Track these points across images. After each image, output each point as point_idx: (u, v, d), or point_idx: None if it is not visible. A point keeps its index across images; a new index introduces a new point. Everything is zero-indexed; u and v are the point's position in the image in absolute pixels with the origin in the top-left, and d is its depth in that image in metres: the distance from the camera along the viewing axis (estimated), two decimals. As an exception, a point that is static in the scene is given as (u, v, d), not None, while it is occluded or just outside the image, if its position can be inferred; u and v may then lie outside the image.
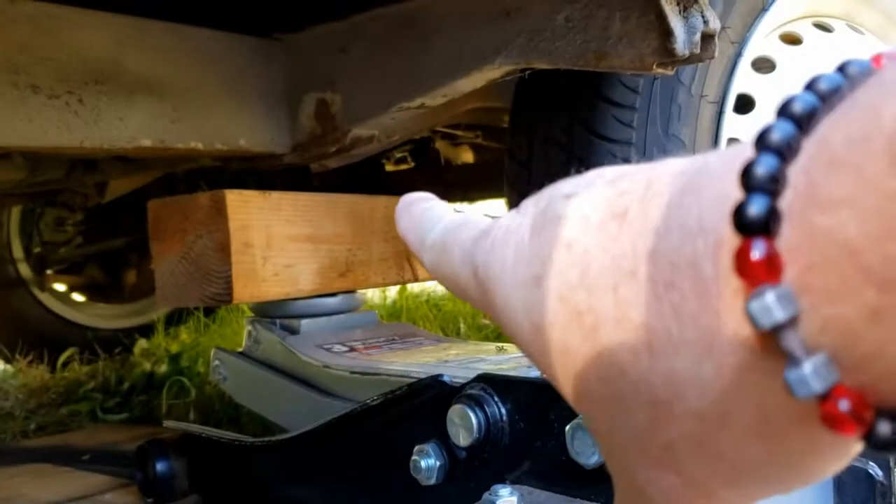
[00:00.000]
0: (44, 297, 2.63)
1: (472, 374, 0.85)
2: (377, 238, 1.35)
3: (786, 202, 0.20)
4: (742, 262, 0.20)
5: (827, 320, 0.19)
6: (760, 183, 0.20)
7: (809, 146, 0.20)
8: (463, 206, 2.38)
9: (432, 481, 0.84)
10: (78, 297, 2.76)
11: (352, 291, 1.34)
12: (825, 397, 0.20)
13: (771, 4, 1.24)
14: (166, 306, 2.35)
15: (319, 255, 1.25)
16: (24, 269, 2.62)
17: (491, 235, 0.29)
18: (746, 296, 0.20)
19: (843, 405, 0.19)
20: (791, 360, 0.20)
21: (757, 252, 0.20)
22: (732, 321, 0.21)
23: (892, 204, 0.18)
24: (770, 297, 0.20)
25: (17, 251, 2.62)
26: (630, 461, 0.25)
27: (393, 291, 3.12)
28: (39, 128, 1.04)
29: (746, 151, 0.21)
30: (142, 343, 2.59)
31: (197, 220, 1.14)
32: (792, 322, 0.20)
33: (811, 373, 0.19)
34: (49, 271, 2.66)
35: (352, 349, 1.21)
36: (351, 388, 1.09)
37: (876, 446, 0.20)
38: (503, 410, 0.82)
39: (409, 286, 3.06)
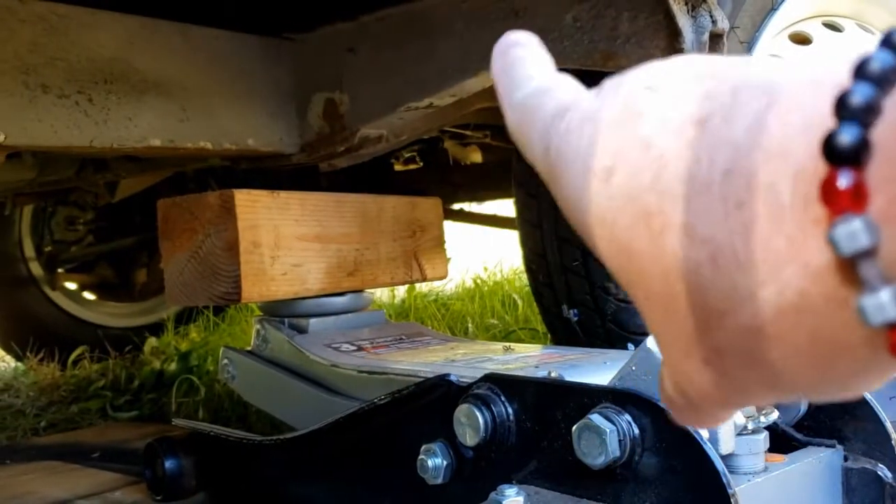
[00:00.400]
0: (55, 296, 2.64)
1: (479, 374, 0.85)
2: (385, 238, 1.35)
3: (877, 133, 0.20)
4: (828, 190, 0.20)
5: None
6: (854, 113, 0.20)
7: None
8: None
9: (439, 480, 0.84)
10: (88, 295, 2.77)
11: (360, 291, 1.34)
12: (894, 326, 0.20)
13: (780, 4, 1.23)
14: (175, 305, 2.36)
15: (328, 255, 1.26)
16: (36, 268, 2.63)
17: (567, 118, 0.28)
18: (829, 223, 0.20)
19: None
20: (868, 287, 0.20)
21: (844, 181, 0.20)
22: (807, 247, 0.21)
23: None
24: (856, 224, 0.20)
25: (29, 250, 2.63)
26: (681, 352, 0.25)
27: (402, 290, 3.13)
28: (49, 127, 1.04)
29: (839, 76, 0.21)
30: (152, 341, 2.60)
31: (206, 219, 1.15)
32: (872, 251, 0.20)
33: (888, 300, 0.20)
34: (60, 270, 2.67)
35: (360, 348, 1.21)
36: (359, 387, 1.10)
37: None
38: (510, 410, 0.82)
39: (418, 286, 3.06)
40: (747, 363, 0.24)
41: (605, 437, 0.71)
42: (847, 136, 0.20)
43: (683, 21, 0.91)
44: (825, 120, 0.21)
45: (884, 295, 0.20)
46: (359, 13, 1.24)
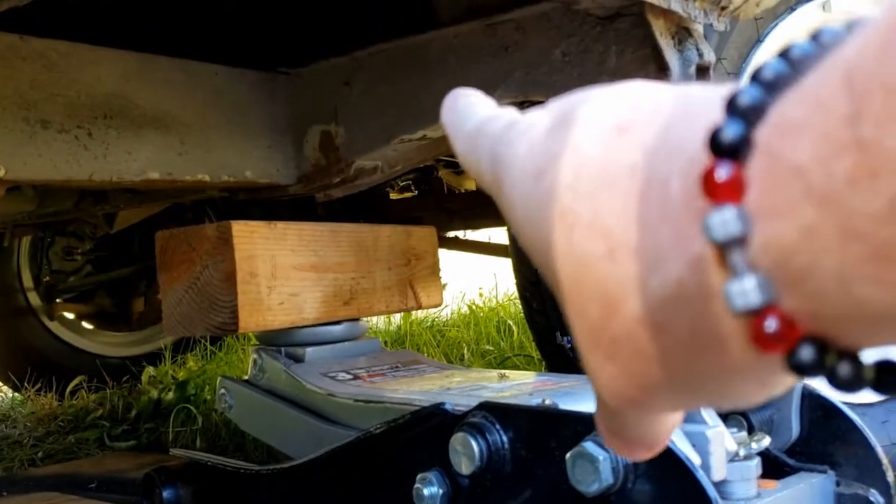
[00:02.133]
0: (53, 326, 2.65)
1: (474, 402, 0.86)
2: (381, 266, 1.37)
3: (759, 133, 0.22)
4: (708, 180, 0.22)
5: (769, 238, 0.21)
6: (741, 111, 0.22)
7: (790, 91, 0.22)
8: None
9: (435, 509, 0.85)
10: (86, 325, 2.77)
11: (356, 319, 1.35)
12: (757, 313, 0.21)
13: (766, 36, 1.26)
14: (173, 336, 2.36)
15: (324, 284, 1.27)
16: (34, 298, 2.64)
17: (514, 128, 0.30)
18: (706, 211, 0.22)
19: (771, 324, 0.21)
20: (735, 274, 0.22)
21: (723, 172, 0.22)
22: (687, 237, 0.23)
23: (842, 127, 0.19)
24: (728, 213, 0.21)
25: (27, 280, 2.64)
26: (587, 349, 0.27)
27: (398, 318, 3.13)
28: (49, 161, 1.06)
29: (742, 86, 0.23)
30: (149, 370, 2.60)
31: (203, 250, 1.16)
32: (742, 240, 0.21)
33: (750, 287, 0.21)
34: (58, 300, 2.68)
35: (356, 377, 1.22)
36: (355, 415, 1.10)
37: (795, 368, 0.22)
38: (505, 438, 0.83)
39: (414, 313, 3.07)
40: (639, 355, 0.25)
41: (599, 465, 0.72)
42: (730, 132, 0.22)
43: (670, 55, 0.93)
44: (717, 122, 0.23)
45: (748, 282, 0.21)
46: (353, 48, 1.26)
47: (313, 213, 1.75)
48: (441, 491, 0.85)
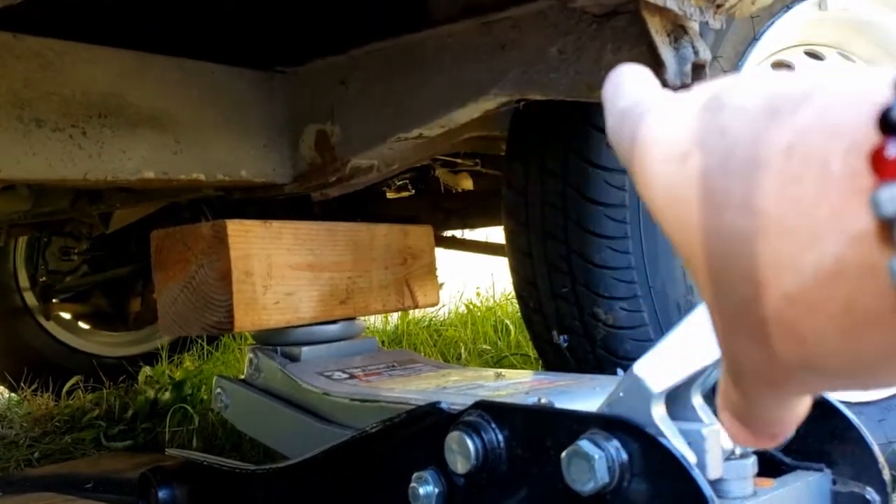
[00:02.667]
0: (49, 326, 2.64)
1: (470, 401, 0.86)
2: (377, 265, 1.37)
3: None
4: (878, 157, 0.22)
5: None
6: None
7: None
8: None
9: (430, 508, 0.85)
10: (83, 325, 2.77)
11: (352, 318, 1.35)
12: None
13: (762, 34, 1.26)
14: (168, 335, 2.36)
15: (320, 283, 1.27)
16: (30, 298, 2.63)
17: (655, 112, 0.31)
18: (874, 188, 0.22)
19: None
20: None
21: (894, 150, 0.22)
22: (848, 215, 0.23)
23: None
24: None
25: (24, 280, 2.64)
26: (730, 330, 0.27)
27: (395, 317, 3.13)
28: (44, 161, 1.06)
29: None
30: (146, 370, 2.60)
31: (199, 249, 1.16)
32: None
33: None
34: (54, 300, 2.68)
35: (352, 376, 1.22)
36: (351, 415, 1.10)
37: None
38: (500, 437, 0.82)
39: (411, 313, 3.07)
40: (787, 336, 0.25)
41: (594, 464, 0.72)
42: None
43: (666, 52, 0.93)
44: (884, 101, 0.23)
45: None
46: (349, 47, 1.26)
47: (310, 213, 1.75)
48: (437, 490, 0.85)
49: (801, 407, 0.31)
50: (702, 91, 0.30)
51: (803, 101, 0.26)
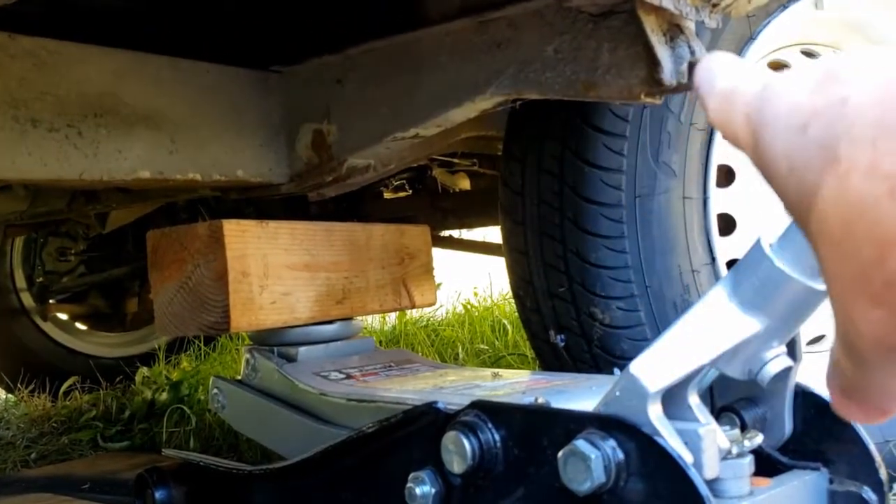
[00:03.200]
0: (46, 327, 2.64)
1: (466, 401, 0.86)
2: (374, 265, 1.36)
3: None
4: None
5: None
6: None
7: None
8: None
9: (427, 508, 0.84)
10: (80, 325, 2.77)
11: (349, 318, 1.35)
12: None
13: (758, 33, 1.26)
14: (165, 335, 2.36)
15: (316, 283, 1.26)
16: (27, 299, 2.63)
17: (771, 88, 0.32)
18: None
19: None
20: None
21: None
22: None
23: None
24: None
25: (20, 281, 2.63)
26: (850, 296, 0.27)
27: (392, 317, 3.13)
28: (39, 160, 1.05)
29: None
30: (143, 371, 2.59)
31: (195, 249, 1.16)
32: None
33: None
34: (51, 300, 2.67)
35: (349, 376, 1.22)
36: (348, 415, 1.10)
37: None
38: (497, 437, 0.82)
39: (408, 313, 3.07)
40: None
41: (590, 463, 0.72)
42: None
43: (662, 52, 0.93)
44: None
45: None
46: (346, 46, 1.26)
47: (306, 213, 1.75)
48: (433, 490, 0.85)
49: None
50: (816, 66, 0.30)
51: None
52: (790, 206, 0.30)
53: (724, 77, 0.35)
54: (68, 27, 1.14)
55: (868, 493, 0.85)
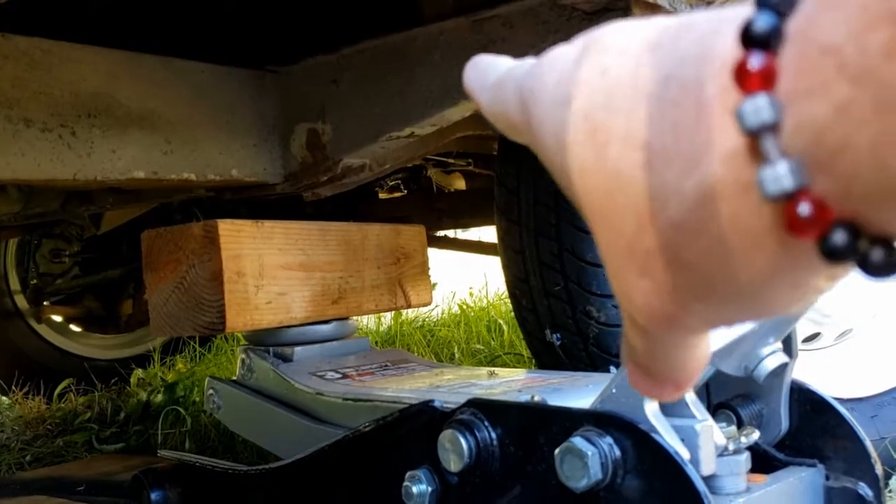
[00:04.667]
0: (40, 329, 2.63)
1: (463, 400, 0.86)
2: (369, 265, 1.36)
3: (791, 23, 0.22)
4: (741, 71, 0.22)
5: (802, 119, 0.21)
6: (772, 3, 0.22)
7: None
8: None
9: (424, 507, 0.84)
10: (74, 327, 2.76)
11: (345, 318, 1.34)
12: (790, 197, 0.22)
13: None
14: (160, 336, 2.35)
15: (312, 283, 1.26)
16: (21, 301, 2.62)
17: (541, 64, 0.31)
18: (740, 101, 0.22)
19: (805, 208, 0.22)
20: (767, 160, 0.22)
21: (755, 61, 0.22)
22: (722, 133, 0.23)
23: (875, 1, 0.19)
24: (761, 100, 0.22)
25: (14, 283, 2.62)
26: (620, 268, 0.27)
27: (388, 318, 3.13)
28: (32, 161, 1.05)
29: None
30: (138, 373, 2.59)
31: (190, 249, 1.15)
32: (774, 127, 0.22)
33: (783, 172, 0.21)
34: (46, 303, 2.66)
35: (345, 376, 1.21)
36: (344, 414, 1.10)
37: (828, 254, 0.22)
38: (493, 435, 0.82)
39: (404, 313, 3.07)
40: (675, 264, 0.25)
41: (587, 460, 0.72)
42: (762, 22, 0.22)
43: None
44: (746, 17, 0.23)
45: (780, 166, 0.21)
46: (340, 45, 1.26)
47: (301, 213, 1.74)
48: (430, 489, 0.85)
49: (702, 350, 0.31)
50: (582, 37, 0.30)
51: (680, 33, 0.26)
52: (563, 183, 0.29)
53: (494, 68, 0.35)
54: (62, 27, 1.13)
55: (864, 490, 0.85)
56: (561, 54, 0.30)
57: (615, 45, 0.27)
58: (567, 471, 0.73)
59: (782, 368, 0.82)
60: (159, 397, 2.25)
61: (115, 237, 2.33)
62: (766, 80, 0.22)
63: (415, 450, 0.87)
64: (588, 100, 0.27)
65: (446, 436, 0.83)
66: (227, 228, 1.14)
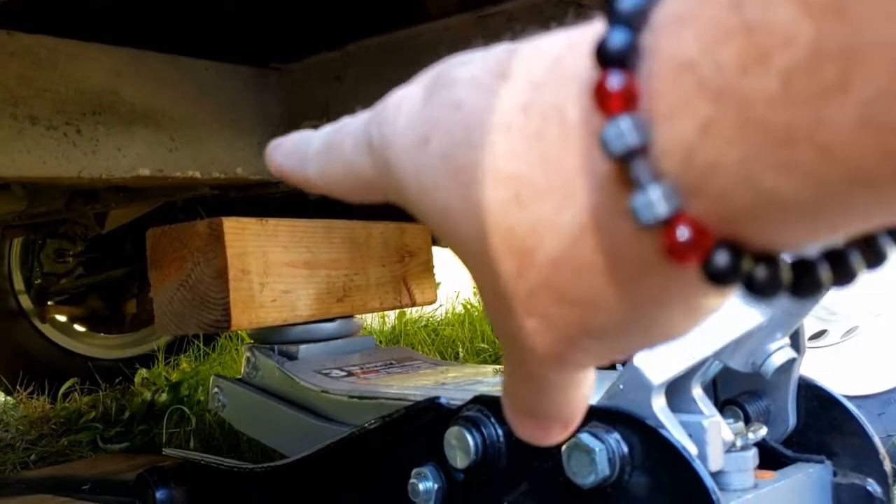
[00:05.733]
0: (45, 328, 2.63)
1: (469, 396, 0.85)
2: (374, 263, 1.36)
3: (647, 38, 0.21)
4: (600, 93, 0.21)
5: (669, 141, 0.20)
6: (623, 17, 0.21)
7: None
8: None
9: (430, 504, 0.84)
10: (79, 327, 2.76)
11: (349, 316, 1.34)
12: (667, 223, 0.20)
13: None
14: (165, 334, 2.35)
15: (317, 281, 1.26)
16: (26, 301, 2.62)
17: (384, 108, 0.29)
18: (602, 126, 0.21)
19: (683, 233, 0.20)
20: (638, 186, 0.20)
21: (614, 82, 0.20)
22: (591, 160, 0.22)
23: (726, 12, 0.18)
24: (624, 122, 0.20)
25: (19, 283, 2.62)
26: (503, 311, 0.26)
27: (392, 317, 3.13)
28: (38, 158, 1.05)
29: None
30: (142, 372, 2.59)
31: (195, 247, 1.15)
32: (642, 150, 0.20)
33: (656, 197, 0.20)
34: (50, 302, 2.66)
35: (350, 374, 1.21)
36: (349, 412, 1.10)
37: (712, 277, 0.21)
38: (500, 432, 0.82)
39: (408, 312, 3.07)
40: (560, 301, 0.24)
41: (595, 456, 0.72)
42: (616, 39, 0.21)
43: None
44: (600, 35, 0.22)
45: (653, 192, 0.20)
46: (344, 42, 1.25)
47: (306, 211, 1.74)
48: (436, 486, 0.84)
49: (587, 384, 0.30)
50: (427, 75, 0.28)
51: (535, 59, 0.24)
52: (433, 227, 0.27)
53: (311, 139, 0.32)
54: (67, 24, 1.13)
55: (872, 486, 0.85)
56: (404, 96, 0.28)
57: (463, 77, 0.26)
58: (574, 467, 0.73)
59: (790, 364, 0.82)
60: (164, 397, 2.25)
61: (119, 237, 2.33)
62: (628, 100, 0.20)
63: (421, 447, 0.87)
64: (445, 138, 0.25)
65: (452, 432, 0.82)
66: (232, 226, 1.14)
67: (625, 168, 0.21)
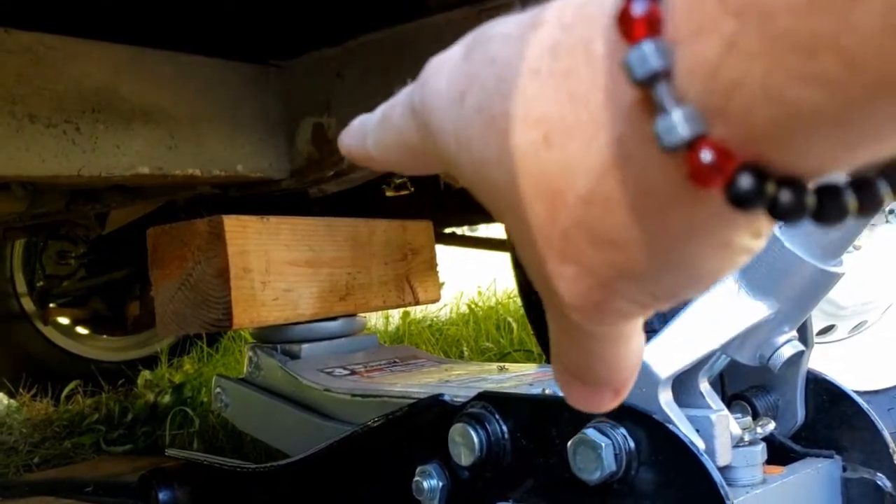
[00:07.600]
0: (47, 331, 2.63)
1: (473, 393, 0.84)
2: (377, 261, 1.35)
3: None
4: (624, 19, 0.21)
5: (693, 61, 0.20)
6: None
7: None
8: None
9: (435, 502, 0.83)
10: (81, 329, 2.75)
11: (352, 315, 1.33)
12: (690, 146, 0.21)
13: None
14: (167, 334, 2.34)
15: (319, 279, 1.25)
16: (28, 303, 2.62)
17: (426, 71, 0.30)
18: (626, 52, 0.21)
19: (706, 155, 0.20)
20: (661, 110, 0.21)
21: (638, 7, 0.21)
22: (617, 91, 0.22)
23: None
24: (647, 47, 0.21)
25: (21, 285, 2.62)
26: (539, 259, 0.26)
27: (396, 317, 3.12)
28: (37, 156, 1.04)
29: None
30: (145, 374, 2.58)
31: (196, 246, 1.14)
32: (665, 74, 0.21)
33: (679, 120, 0.20)
34: (52, 304, 2.66)
35: (353, 372, 1.20)
36: (353, 411, 1.09)
37: (735, 200, 0.21)
38: (504, 428, 0.81)
39: (412, 312, 3.06)
40: (595, 241, 0.24)
41: (601, 452, 0.71)
42: None
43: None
44: None
45: (675, 115, 0.20)
46: (345, 38, 1.25)
47: (308, 210, 1.74)
48: (441, 483, 0.84)
49: (636, 343, 0.30)
50: (467, 36, 0.28)
51: (565, 5, 0.25)
52: (471, 185, 0.28)
53: (370, 116, 0.33)
54: (66, 22, 1.13)
55: (882, 480, 0.84)
56: (447, 57, 0.29)
57: (499, 33, 0.26)
58: (580, 463, 0.72)
59: (798, 357, 0.80)
60: (167, 398, 2.25)
61: (121, 238, 2.33)
62: (651, 25, 0.21)
63: (425, 444, 0.86)
64: (480, 91, 0.26)
65: (457, 430, 0.82)
66: (233, 224, 1.13)
67: (648, 93, 0.21)
